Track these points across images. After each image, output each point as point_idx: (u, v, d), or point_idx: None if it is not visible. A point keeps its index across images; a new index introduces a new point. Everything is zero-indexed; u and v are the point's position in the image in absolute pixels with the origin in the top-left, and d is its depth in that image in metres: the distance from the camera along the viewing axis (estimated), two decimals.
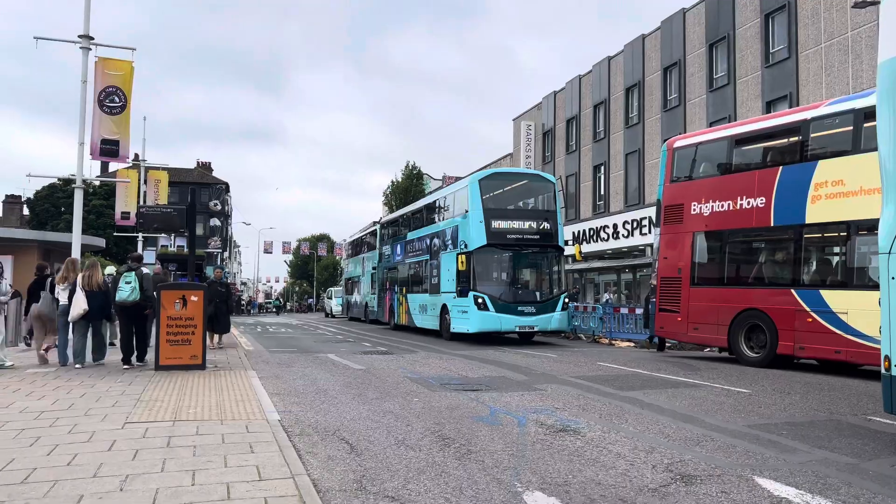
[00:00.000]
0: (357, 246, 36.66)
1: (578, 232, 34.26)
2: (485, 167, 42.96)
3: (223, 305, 14.93)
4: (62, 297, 10.65)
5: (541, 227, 18.34)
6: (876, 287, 10.62)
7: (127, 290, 10.43)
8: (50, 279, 11.51)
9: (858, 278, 10.86)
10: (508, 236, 17.91)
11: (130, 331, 10.82)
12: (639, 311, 18.73)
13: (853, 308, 10.63)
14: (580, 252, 27.59)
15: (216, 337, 14.85)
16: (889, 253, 5.83)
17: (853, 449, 5.78)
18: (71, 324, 10.60)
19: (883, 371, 5.83)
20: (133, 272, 10.68)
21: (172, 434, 5.80)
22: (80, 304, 10.25)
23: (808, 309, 11.34)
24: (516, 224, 18.22)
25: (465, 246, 17.99)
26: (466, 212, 18.24)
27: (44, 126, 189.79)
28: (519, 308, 17.56)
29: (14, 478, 4.44)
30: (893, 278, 5.74)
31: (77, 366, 10.41)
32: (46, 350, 11.04)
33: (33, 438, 5.56)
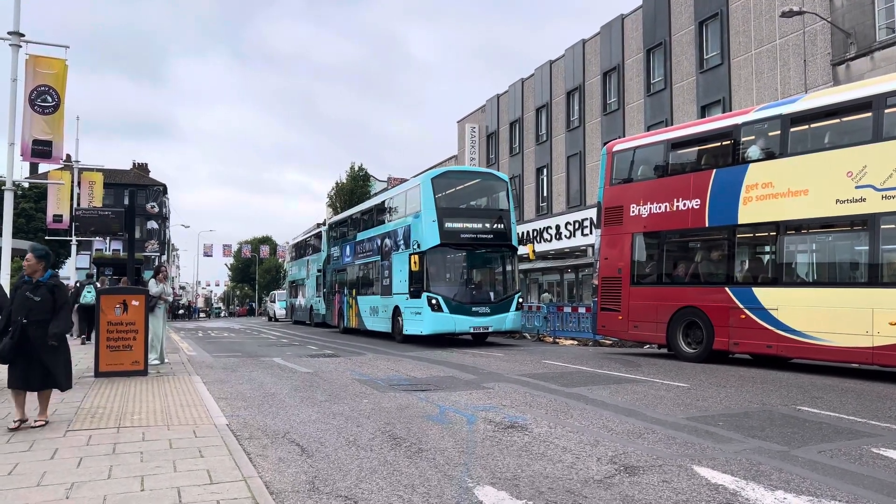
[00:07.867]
0: (301, 248, 36.22)
1: (523, 233, 34.70)
2: (431, 168, 43.05)
3: (39, 331, 6.22)
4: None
5: (494, 227, 18.16)
6: (804, 284, 11.25)
7: (89, 297, 15.98)
8: None
9: (788, 276, 11.41)
10: (462, 236, 17.63)
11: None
12: (581, 310, 19.13)
13: (783, 304, 11.15)
14: (534, 251, 27.55)
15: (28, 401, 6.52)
16: None
17: (784, 437, 6.10)
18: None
19: None
20: (91, 284, 16.27)
21: (118, 441, 5.69)
22: None
23: (741, 306, 11.83)
24: (469, 223, 17.93)
25: (418, 246, 17.72)
26: (418, 211, 17.94)
27: None
28: (473, 309, 17.33)
29: None
30: None
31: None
32: None
33: None
